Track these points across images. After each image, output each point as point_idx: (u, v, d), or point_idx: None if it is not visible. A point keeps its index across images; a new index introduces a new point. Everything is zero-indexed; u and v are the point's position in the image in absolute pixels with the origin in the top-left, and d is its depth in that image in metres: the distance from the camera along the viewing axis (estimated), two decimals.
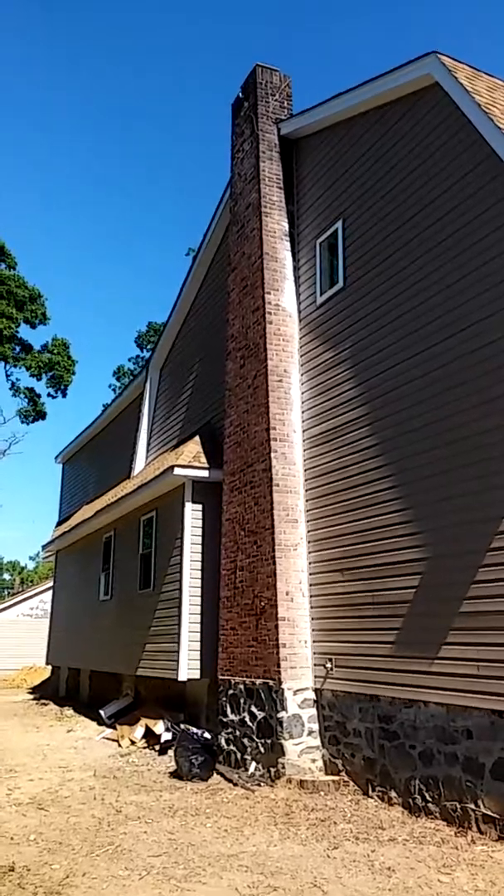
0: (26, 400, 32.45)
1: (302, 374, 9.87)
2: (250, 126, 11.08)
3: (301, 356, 9.96)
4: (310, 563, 9.15)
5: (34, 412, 32.43)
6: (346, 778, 7.97)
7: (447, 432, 7.17)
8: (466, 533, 6.77)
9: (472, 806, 6.29)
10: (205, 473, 11.19)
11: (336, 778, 7.99)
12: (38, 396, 32.49)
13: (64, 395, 32.45)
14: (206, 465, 11.26)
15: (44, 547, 21.00)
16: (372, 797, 7.52)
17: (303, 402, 9.77)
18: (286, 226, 10.53)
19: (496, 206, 6.85)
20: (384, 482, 8.01)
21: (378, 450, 8.18)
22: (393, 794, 7.26)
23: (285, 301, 10.18)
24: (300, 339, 10.06)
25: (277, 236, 10.41)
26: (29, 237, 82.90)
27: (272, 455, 9.42)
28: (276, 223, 10.47)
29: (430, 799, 6.81)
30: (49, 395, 32.35)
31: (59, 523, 21.49)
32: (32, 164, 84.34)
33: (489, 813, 6.13)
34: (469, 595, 6.62)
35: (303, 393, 9.80)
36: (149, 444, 15.67)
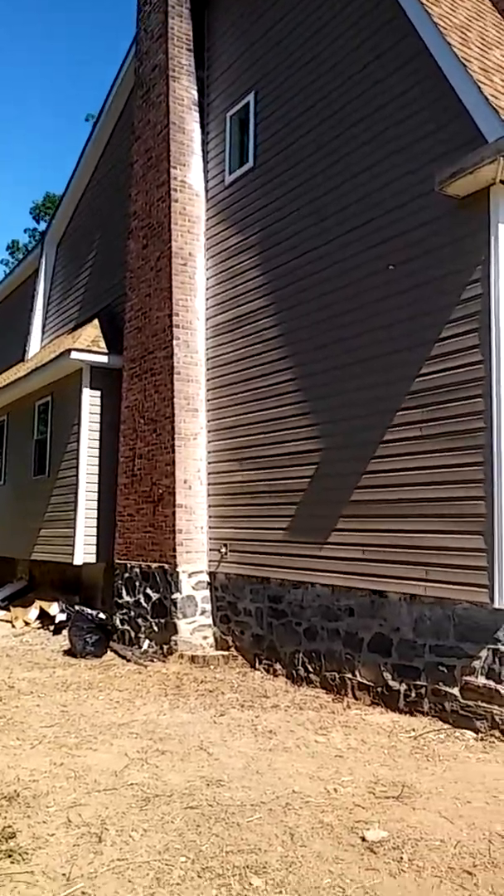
0: None
1: (208, 259, 9.54)
2: None
3: (207, 239, 9.58)
4: (209, 452, 9.21)
5: None
6: (235, 653, 8.42)
7: (348, 326, 7.19)
8: (360, 426, 6.95)
9: (350, 675, 6.81)
10: (104, 359, 10.85)
11: (226, 653, 8.42)
12: None
13: None
14: (106, 351, 10.91)
15: None
16: (259, 669, 8.00)
17: (208, 289, 9.50)
18: (195, 94, 9.82)
19: (417, 87, 6.59)
20: (285, 374, 8.03)
21: (281, 341, 8.13)
22: (278, 666, 7.75)
23: (192, 178, 9.65)
24: (207, 220, 9.64)
25: (186, 105, 9.72)
26: None
27: (174, 342, 9.21)
28: (185, 90, 9.74)
29: (311, 670, 7.32)
30: None
31: None
32: None
33: (364, 681, 6.67)
34: (359, 485, 6.88)
35: (208, 279, 9.51)
36: (44, 326, 14.97)
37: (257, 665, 8.08)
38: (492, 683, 5.49)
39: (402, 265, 6.61)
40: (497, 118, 5.48)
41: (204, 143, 9.76)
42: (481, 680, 5.57)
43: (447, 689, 5.84)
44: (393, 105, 6.82)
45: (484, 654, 5.58)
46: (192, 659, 8.27)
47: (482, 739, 5.39)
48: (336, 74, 7.58)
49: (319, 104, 7.80)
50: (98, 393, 10.96)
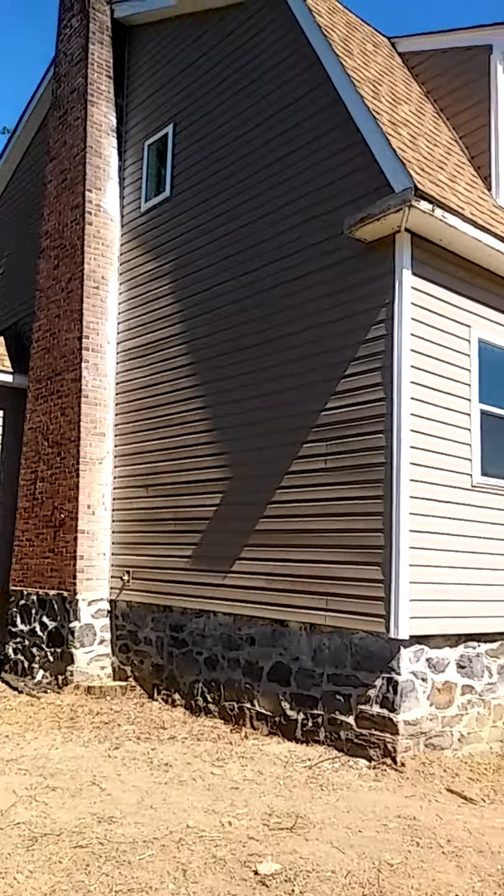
0: None
1: (121, 283, 9.50)
2: (80, 0, 10.07)
3: (121, 264, 9.55)
4: (115, 478, 9.07)
5: None
6: (133, 683, 8.24)
7: (258, 359, 7.31)
8: (267, 456, 7.05)
9: (249, 705, 6.81)
10: (8, 378, 10.55)
11: (123, 683, 8.24)
12: None
13: None
14: (11, 370, 10.61)
15: None
16: (157, 700, 7.86)
17: (120, 313, 9.44)
18: (114, 120, 9.84)
19: (331, 133, 6.86)
20: (194, 402, 8.06)
21: (191, 369, 8.17)
22: (177, 696, 7.65)
23: (108, 202, 9.63)
24: (121, 245, 9.61)
25: (104, 130, 9.72)
26: None
27: (83, 365, 9.07)
28: (104, 115, 9.75)
29: (211, 700, 7.26)
30: None
31: None
32: None
33: (263, 711, 6.68)
34: (264, 514, 6.96)
35: (120, 303, 9.46)
36: None
37: (156, 695, 7.94)
38: (385, 712, 5.62)
39: (312, 302, 6.82)
40: (403, 170, 5.79)
41: (121, 168, 9.77)
42: (375, 709, 5.70)
43: (343, 717, 5.93)
44: (308, 148, 7.08)
45: (379, 682, 5.72)
46: (89, 690, 8.03)
47: (374, 768, 5.50)
48: (255, 114, 7.79)
49: (237, 141, 7.99)
50: (0, 412, 10.62)
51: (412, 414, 5.88)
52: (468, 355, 6.43)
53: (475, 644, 6.23)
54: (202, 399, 7.96)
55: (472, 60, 7.44)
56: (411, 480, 5.81)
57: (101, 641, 8.62)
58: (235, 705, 6.96)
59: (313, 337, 6.75)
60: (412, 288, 6.00)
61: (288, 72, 7.43)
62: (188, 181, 8.65)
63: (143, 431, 8.74)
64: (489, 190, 7.07)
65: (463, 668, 6.09)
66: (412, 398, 5.90)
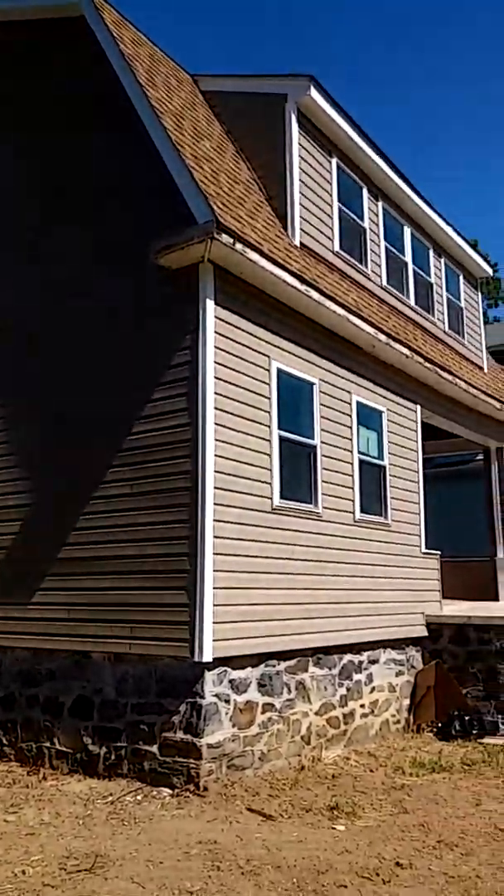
0: None
1: None
2: None
3: None
4: None
5: None
6: None
7: (64, 381, 7.11)
8: (70, 482, 6.83)
9: (48, 744, 6.47)
10: None
11: None
12: None
13: None
14: None
15: None
16: None
17: None
18: None
19: (137, 162, 6.90)
20: None
21: None
22: None
23: None
24: None
25: None
26: None
27: None
28: None
29: (6, 743, 6.81)
30: None
31: None
32: None
33: (63, 749, 6.37)
34: (67, 542, 6.72)
35: None
36: None
37: None
38: (189, 737, 5.61)
39: (119, 327, 6.77)
40: (206, 203, 5.96)
41: None
42: (179, 735, 5.67)
43: (146, 747, 5.83)
44: (114, 177, 7.08)
45: (183, 708, 5.71)
46: None
47: (177, 795, 5.45)
48: (61, 138, 7.65)
49: (45, 163, 7.78)
50: None
51: (216, 439, 6.01)
52: (268, 384, 6.73)
53: (275, 662, 6.44)
54: (3, 434, 7.53)
55: (270, 107, 7.89)
56: (216, 504, 5.92)
57: None
58: (34, 745, 6.58)
59: (121, 360, 6.70)
60: (216, 317, 6.17)
61: (94, 100, 7.40)
62: None
63: None
64: (285, 229, 7.50)
65: (264, 686, 6.27)
66: (216, 424, 6.03)
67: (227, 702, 5.84)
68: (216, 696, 5.74)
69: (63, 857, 4.35)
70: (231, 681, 5.92)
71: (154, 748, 5.78)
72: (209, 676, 5.70)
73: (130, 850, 4.43)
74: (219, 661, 5.77)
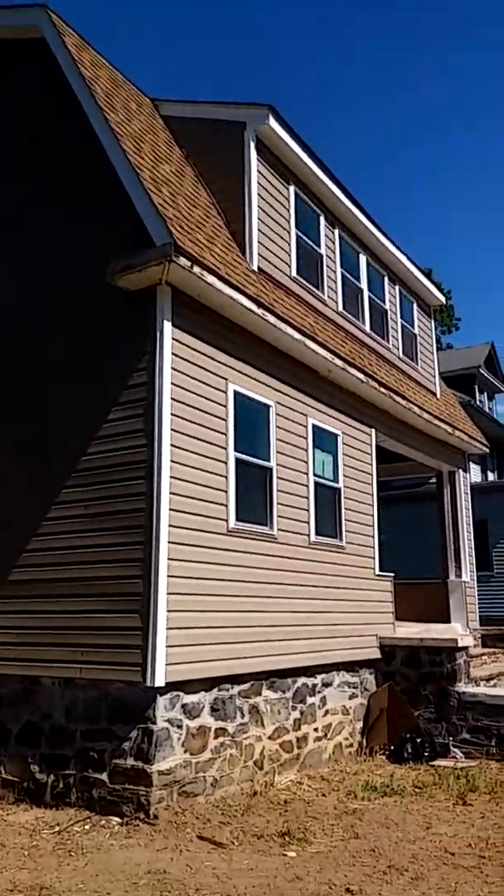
0: None
1: None
2: None
3: None
4: None
5: None
6: None
7: (17, 399, 7.02)
8: (20, 503, 6.73)
9: None
10: None
11: None
12: None
13: None
14: None
15: None
16: None
17: None
18: None
19: (96, 185, 6.91)
20: None
21: None
22: None
23: None
24: None
25: None
26: None
27: None
28: None
29: None
30: None
31: None
32: None
33: (10, 777, 6.19)
34: (17, 564, 6.59)
35: None
36: None
37: None
38: (140, 764, 5.51)
39: (77, 347, 6.73)
40: (164, 226, 6.00)
41: None
42: (130, 761, 5.56)
43: (96, 775, 5.71)
44: (73, 198, 7.09)
45: (134, 734, 5.61)
46: None
47: (127, 824, 5.34)
48: (21, 157, 7.63)
49: (2, 180, 7.74)
50: None
51: (172, 461, 5.99)
52: (225, 406, 6.75)
53: (229, 686, 6.39)
54: None
55: (229, 134, 8.00)
56: (171, 526, 5.88)
57: None
58: None
59: (77, 380, 6.65)
60: (173, 339, 6.18)
61: (53, 120, 7.42)
62: None
63: None
64: (243, 254, 7.57)
65: (217, 710, 6.20)
66: (173, 445, 6.02)
67: (180, 727, 5.77)
68: (168, 721, 5.66)
69: (7, 889, 4.21)
70: (184, 705, 5.85)
71: (104, 776, 5.66)
72: (161, 701, 5.62)
73: (77, 881, 4.31)
74: (171, 686, 5.70)
